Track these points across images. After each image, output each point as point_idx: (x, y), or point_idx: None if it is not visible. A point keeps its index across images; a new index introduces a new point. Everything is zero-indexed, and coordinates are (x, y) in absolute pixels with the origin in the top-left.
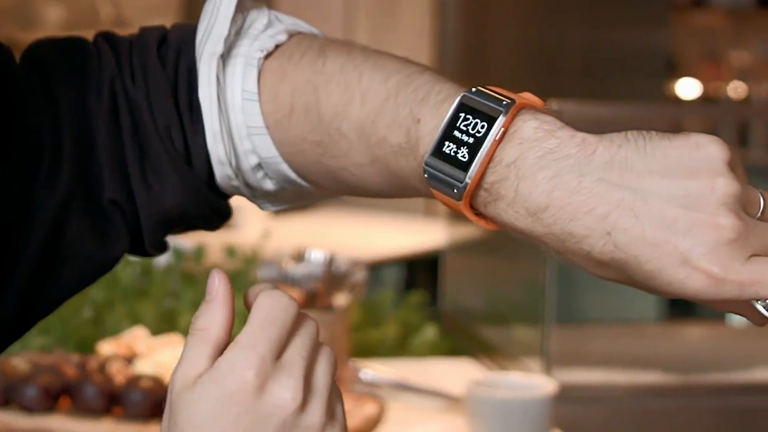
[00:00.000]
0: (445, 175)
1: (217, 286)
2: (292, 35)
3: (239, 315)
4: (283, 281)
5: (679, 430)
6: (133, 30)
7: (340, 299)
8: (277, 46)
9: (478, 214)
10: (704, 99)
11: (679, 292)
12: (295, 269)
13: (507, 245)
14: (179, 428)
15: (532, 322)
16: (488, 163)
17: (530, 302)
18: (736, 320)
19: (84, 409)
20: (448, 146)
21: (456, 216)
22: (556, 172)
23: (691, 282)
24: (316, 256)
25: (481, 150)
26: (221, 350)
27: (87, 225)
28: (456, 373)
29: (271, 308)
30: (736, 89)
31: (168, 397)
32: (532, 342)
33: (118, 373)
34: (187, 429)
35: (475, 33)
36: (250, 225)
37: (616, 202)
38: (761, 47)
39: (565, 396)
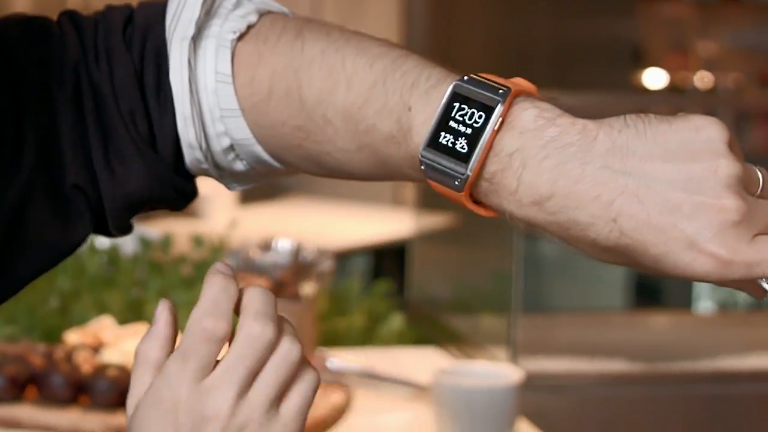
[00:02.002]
0: (444, 167)
1: (160, 312)
2: (263, 15)
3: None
4: (250, 270)
5: (645, 418)
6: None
7: (307, 288)
8: (249, 27)
9: (477, 202)
10: (671, 89)
11: (686, 275)
12: (262, 258)
13: (474, 235)
14: None
15: (499, 310)
16: (488, 153)
17: (497, 291)
18: (702, 308)
19: (51, 399)
20: (445, 137)
21: (423, 205)
22: (560, 161)
23: (699, 265)
24: (283, 245)
25: (481, 140)
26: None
27: (49, 210)
28: (422, 362)
29: (208, 315)
30: (702, 79)
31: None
32: (498, 331)
33: (85, 363)
34: None
35: (442, 22)
36: (217, 214)
37: (621, 189)
38: (728, 38)
39: (532, 384)
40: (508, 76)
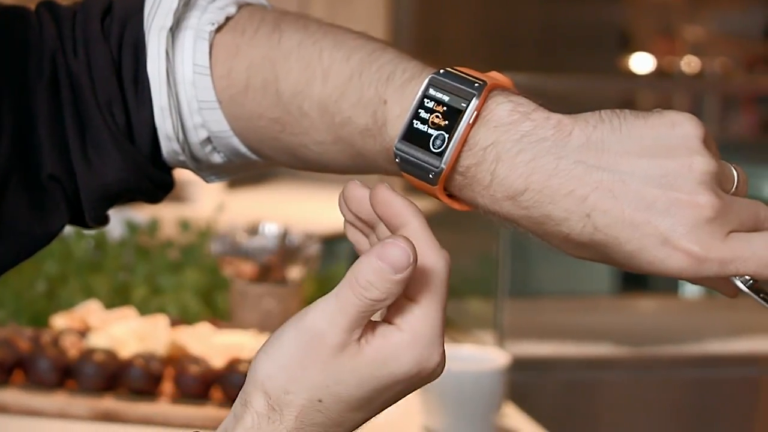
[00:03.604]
0: (418, 160)
1: (407, 263)
2: (242, 6)
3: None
4: (236, 254)
5: (632, 401)
6: None
7: (294, 272)
8: (227, 19)
9: (451, 196)
10: (658, 73)
11: (660, 271)
12: (249, 242)
13: (461, 219)
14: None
15: (486, 295)
16: (462, 146)
17: (484, 275)
18: (689, 293)
19: (37, 383)
20: (419, 130)
21: (409, 190)
22: (534, 155)
23: (672, 261)
24: (270, 229)
25: (456, 134)
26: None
27: (25, 200)
28: None
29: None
30: (689, 64)
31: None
32: (485, 315)
33: (72, 347)
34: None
35: (430, 7)
36: (204, 198)
37: (595, 184)
38: (715, 22)
39: (518, 368)
40: (495, 61)
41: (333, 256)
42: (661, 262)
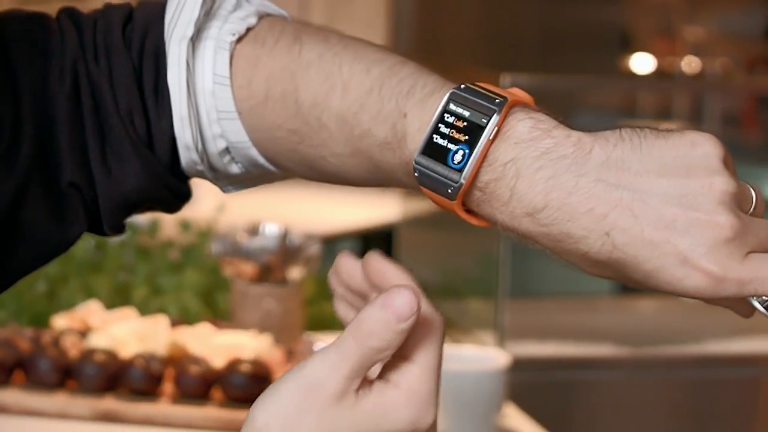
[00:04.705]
0: (437, 174)
1: (411, 311)
2: (262, 17)
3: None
4: (237, 255)
5: (631, 402)
6: (89, 5)
7: (295, 273)
8: (248, 29)
9: (469, 212)
10: (658, 73)
11: (678, 291)
12: (250, 243)
13: (461, 220)
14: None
15: (486, 295)
16: (482, 162)
17: (484, 276)
18: None
19: (38, 383)
20: (439, 144)
21: (410, 190)
22: (554, 173)
23: (691, 281)
24: (271, 229)
25: (476, 149)
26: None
27: (44, 207)
28: None
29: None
30: (690, 64)
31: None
32: (485, 315)
33: (72, 347)
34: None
35: (430, 8)
36: (205, 199)
37: (615, 202)
38: (715, 23)
39: (519, 369)
40: (496, 61)
41: (333, 256)
42: (679, 282)
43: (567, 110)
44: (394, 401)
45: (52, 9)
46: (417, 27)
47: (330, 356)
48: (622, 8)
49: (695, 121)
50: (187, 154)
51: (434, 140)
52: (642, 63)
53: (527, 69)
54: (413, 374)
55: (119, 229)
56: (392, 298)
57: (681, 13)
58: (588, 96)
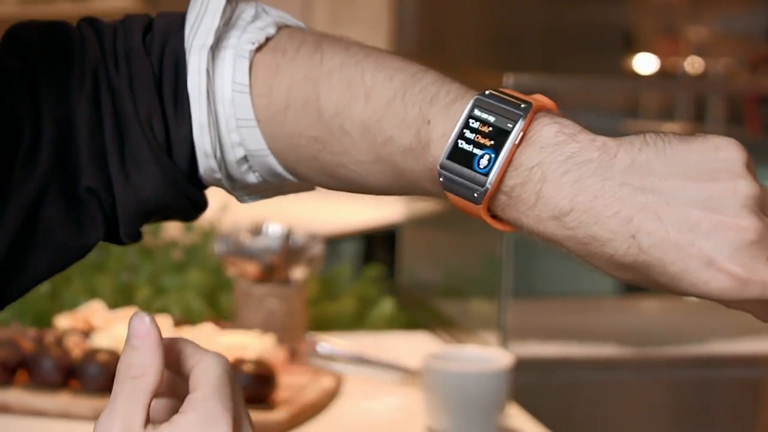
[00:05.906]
0: (463, 178)
1: (147, 329)
2: (281, 28)
3: None
4: (240, 255)
5: (635, 402)
6: (93, 6)
7: (298, 273)
8: (267, 39)
9: (494, 216)
10: (661, 74)
11: (702, 293)
12: (253, 243)
13: (465, 219)
14: None
15: (489, 295)
16: (508, 166)
17: (487, 276)
18: None
19: (41, 383)
20: (464, 150)
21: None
22: (580, 176)
23: (716, 283)
24: (274, 229)
25: (501, 154)
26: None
27: (62, 212)
28: (413, 347)
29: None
30: (693, 64)
31: None
32: (488, 315)
33: (75, 347)
34: None
35: (433, 8)
36: (208, 198)
37: (640, 206)
38: (719, 23)
39: (522, 369)
40: (499, 61)
41: (336, 256)
42: (705, 284)
43: (570, 110)
44: (185, 423)
45: (56, 10)
46: (419, 27)
47: (106, 408)
48: (625, 9)
49: (698, 121)
50: (205, 162)
51: (460, 145)
52: (645, 63)
53: (530, 69)
54: (196, 399)
55: (135, 236)
56: (130, 326)
57: (684, 14)
58: (591, 96)
